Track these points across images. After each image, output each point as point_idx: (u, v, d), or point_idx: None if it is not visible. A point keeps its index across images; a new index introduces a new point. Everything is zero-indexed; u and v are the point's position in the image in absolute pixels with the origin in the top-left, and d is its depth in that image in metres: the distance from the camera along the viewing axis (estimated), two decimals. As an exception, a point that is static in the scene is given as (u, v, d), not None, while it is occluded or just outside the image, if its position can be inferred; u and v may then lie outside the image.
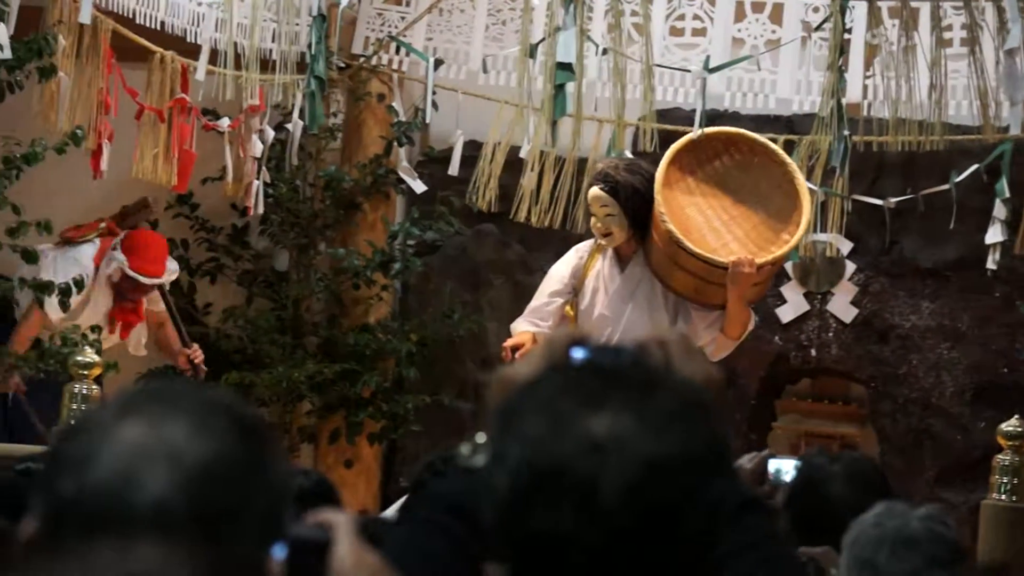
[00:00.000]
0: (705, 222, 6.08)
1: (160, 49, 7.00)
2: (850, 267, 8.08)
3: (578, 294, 6.11)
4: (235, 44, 6.94)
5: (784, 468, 3.11)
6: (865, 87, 7.21)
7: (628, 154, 7.02)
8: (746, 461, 2.92)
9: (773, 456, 3.03)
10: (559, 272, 6.16)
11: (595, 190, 5.96)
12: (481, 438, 1.78)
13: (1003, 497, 5.83)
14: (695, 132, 6.26)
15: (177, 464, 1.40)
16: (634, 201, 5.91)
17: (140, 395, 1.49)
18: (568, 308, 6.12)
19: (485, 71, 7.68)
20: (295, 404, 7.95)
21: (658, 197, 5.90)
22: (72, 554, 1.28)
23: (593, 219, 6.00)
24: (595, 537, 1.56)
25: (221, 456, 1.43)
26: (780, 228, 6.08)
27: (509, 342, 6.01)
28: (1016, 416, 5.91)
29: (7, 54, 6.01)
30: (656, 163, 6.09)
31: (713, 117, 7.02)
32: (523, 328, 6.08)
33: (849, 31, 6.83)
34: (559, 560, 1.58)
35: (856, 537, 3.01)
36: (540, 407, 1.62)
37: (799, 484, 3.38)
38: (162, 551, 1.33)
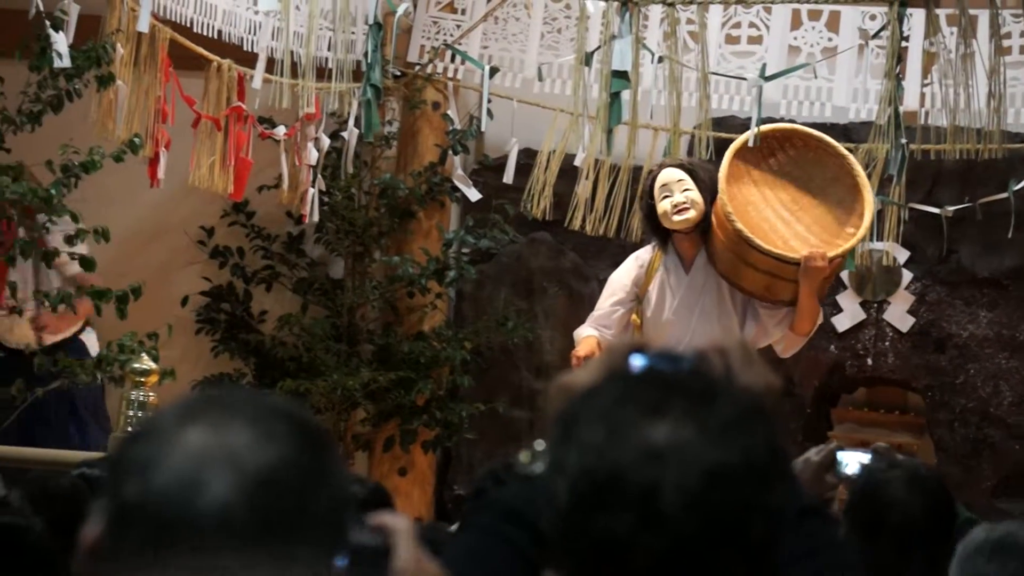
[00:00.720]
0: (771, 215, 6.04)
1: (217, 58, 7.03)
2: (907, 276, 8.03)
3: (641, 302, 6.05)
4: (291, 53, 6.95)
5: (849, 462, 3.09)
6: (923, 95, 7.15)
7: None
8: (814, 453, 2.90)
9: (841, 448, 3.01)
10: (620, 281, 6.08)
11: (671, 171, 5.93)
12: (540, 445, 1.78)
13: (1062, 508, 5.79)
14: (750, 133, 6.21)
15: (241, 469, 1.41)
16: (709, 182, 5.89)
17: (201, 401, 1.49)
18: (634, 316, 6.06)
19: (540, 79, 7.67)
20: (350, 412, 7.97)
21: (723, 196, 5.85)
22: (137, 559, 1.28)
23: (666, 200, 5.91)
24: (654, 545, 1.55)
25: (284, 462, 1.43)
26: (843, 220, 6.03)
27: (580, 351, 5.93)
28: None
29: (66, 63, 6.05)
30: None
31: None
32: (588, 333, 5.99)
33: (906, 39, 6.79)
34: (618, 568, 1.57)
35: (965, 540, 3.01)
36: (599, 415, 1.61)
37: (860, 488, 3.36)
38: (226, 557, 1.33)
